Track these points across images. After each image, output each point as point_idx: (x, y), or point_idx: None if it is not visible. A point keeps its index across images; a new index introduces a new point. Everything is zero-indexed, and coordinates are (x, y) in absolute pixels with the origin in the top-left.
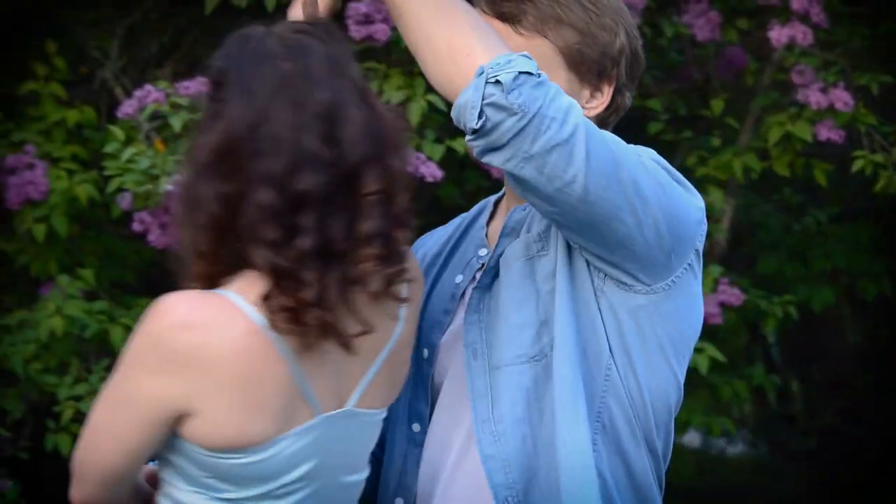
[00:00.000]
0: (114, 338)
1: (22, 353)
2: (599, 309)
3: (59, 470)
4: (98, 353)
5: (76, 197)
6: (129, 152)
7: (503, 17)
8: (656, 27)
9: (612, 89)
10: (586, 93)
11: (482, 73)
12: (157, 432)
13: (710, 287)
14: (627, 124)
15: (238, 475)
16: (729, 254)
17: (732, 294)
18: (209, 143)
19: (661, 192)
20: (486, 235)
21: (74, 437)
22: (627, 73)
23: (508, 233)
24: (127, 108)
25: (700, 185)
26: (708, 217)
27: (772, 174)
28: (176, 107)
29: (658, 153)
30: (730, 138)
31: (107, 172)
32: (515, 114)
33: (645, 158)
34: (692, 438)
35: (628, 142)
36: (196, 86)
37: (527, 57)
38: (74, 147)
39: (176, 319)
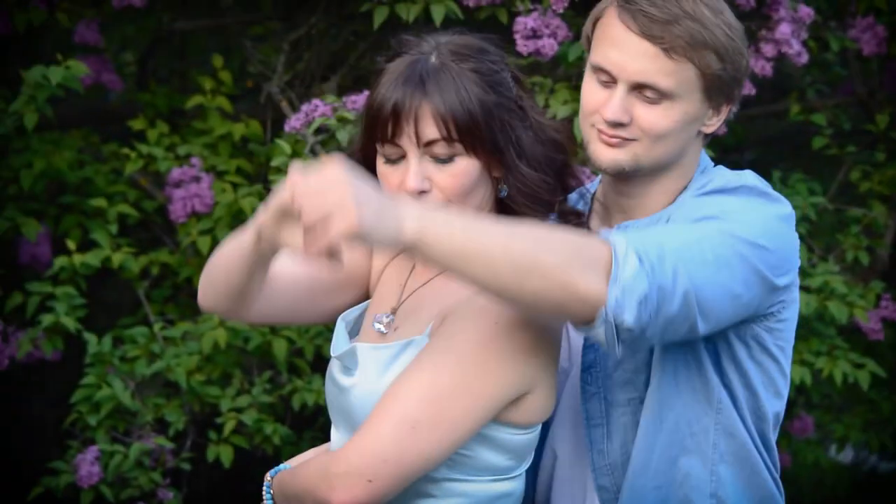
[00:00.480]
0: (276, 350)
1: (185, 365)
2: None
3: (220, 481)
4: (260, 366)
5: (241, 210)
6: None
7: (653, 39)
8: (822, 41)
9: (729, 108)
10: (710, 112)
11: (605, 317)
12: (490, 419)
13: (873, 302)
14: (792, 138)
15: (528, 449)
16: (891, 269)
17: (894, 310)
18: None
19: (751, 270)
20: None
21: (236, 449)
22: (741, 92)
23: None
24: (294, 121)
25: (864, 199)
26: (871, 232)
27: None
28: (342, 121)
29: (821, 168)
30: (894, 153)
31: (273, 186)
32: (646, 328)
33: (727, 241)
34: (845, 455)
35: (792, 155)
36: (363, 99)
37: (626, 252)
38: (240, 160)
39: None
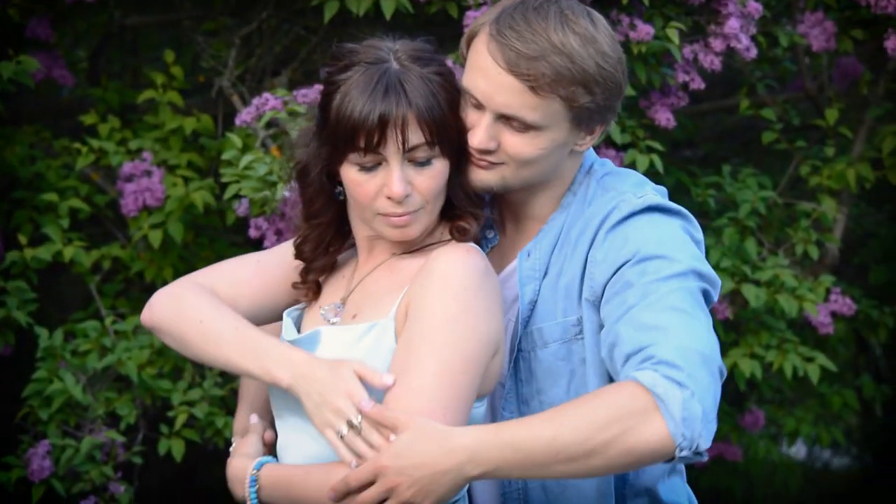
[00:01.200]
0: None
1: (136, 359)
2: None
3: (171, 475)
4: None
5: (192, 203)
6: (246, 159)
7: (519, 76)
8: (771, 37)
9: (603, 128)
10: (582, 134)
11: (681, 454)
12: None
13: (822, 296)
14: (742, 133)
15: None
16: (841, 263)
17: (844, 304)
18: None
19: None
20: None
21: (187, 443)
22: (616, 110)
23: (527, 281)
24: (245, 115)
25: (813, 194)
26: (821, 227)
27: (885, 184)
28: (293, 114)
29: (771, 163)
30: (843, 148)
31: (224, 179)
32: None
33: (687, 290)
34: (797, 450)
35: (742, 150)
36: (314, 93)
37: (665, 387)
38: (191, 154)
39: (482, 267)
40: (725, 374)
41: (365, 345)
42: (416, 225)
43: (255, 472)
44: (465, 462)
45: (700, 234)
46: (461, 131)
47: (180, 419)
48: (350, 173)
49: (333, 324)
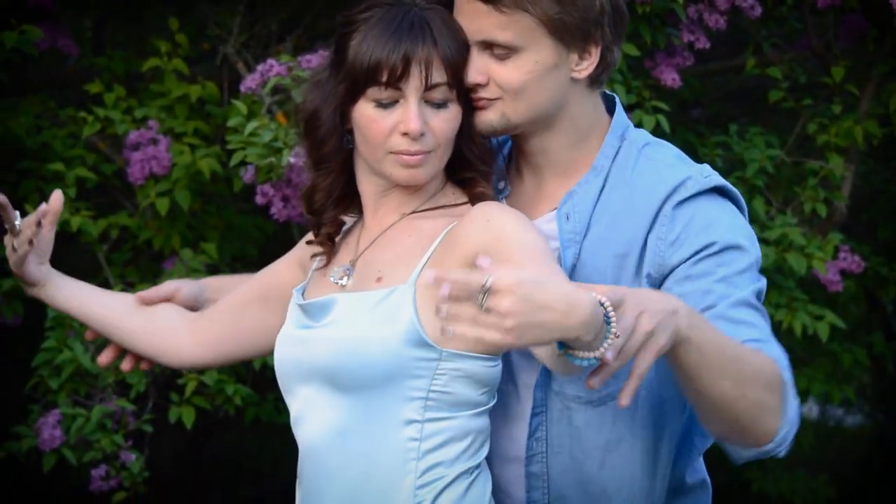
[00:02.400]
0: None
1: None
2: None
3: (182, 442)
4: None
5: (199, 171)
6: (251, 126)
7: None
8: None
9: (599, 49)
10: (574, 56)
11: (763, 450)
12: None
13: (831, 254)
14: (749, 92)
15: (496, 382)
16: (849, 221)
17: (853, 261)
18: None
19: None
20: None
21: (197, 410)
22: (613, 32)
23: (568, 245)
24: (250, 82)
25: (821, 152)
26: (829, 184)
27: (893, 141)
28: (298, 80)
29: (778, 122)
30: (850, 105)
31: (230, 146)
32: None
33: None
34: (810, 409)
35: (749, 109)
36: (318, 59)
37: (791, 387)
38: (197, 122)
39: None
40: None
41: (381, 311)
42: (426, 167)
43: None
44: (680, 308)
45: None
46: None
47: (190, 386)
48: (366, 110)
49: (343, 286)
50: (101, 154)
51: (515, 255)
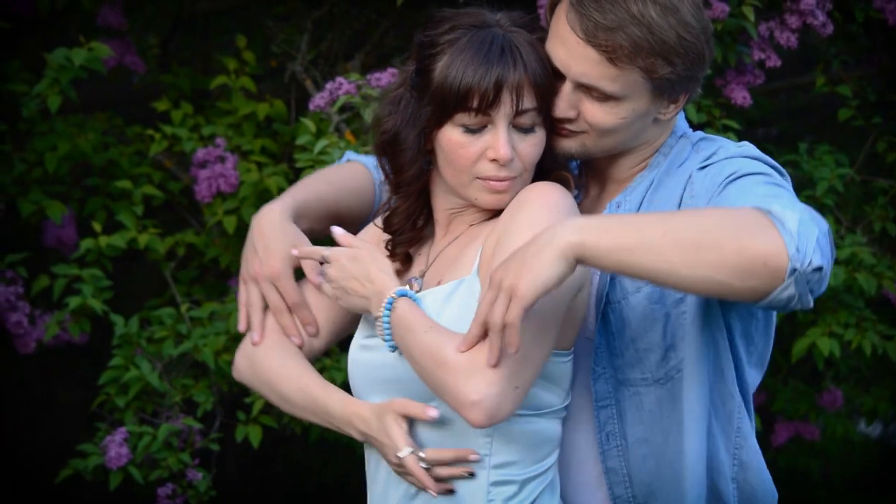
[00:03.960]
0: None
1: (212, 346)
2: (727, 329)
3: (248, 461)
4: None
5: (266, 189)
6: (320, 144)
7: (597, 46)
8: (847, 12)
9: (687, 97)
10: (665, 103)
11: (793, 269)
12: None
13: None
14: (818, 110)
15: (568, 378)
16: None
17: None
18: None
19: None
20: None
21: (264, 429)
22: (701, 76)
23: None
24: (318, 100)
25: (890, 170)
26: None
27: None
28: (367, 98)
29: (848, 140)
30: None
31: (298, 164)
32: (830, 265)
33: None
34: (873, 429)
35: (818, 127)
36: (387, 77)
37: (782, 209)
38: (264, 140)
39: (572, 199)
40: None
41: (456, 302)
42: (512, 192)
43: (394, 296)
44: (558, 226)
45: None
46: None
47: (257, 405)
48: (454, 135)
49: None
50: (167, 172)
51: (513, 226)
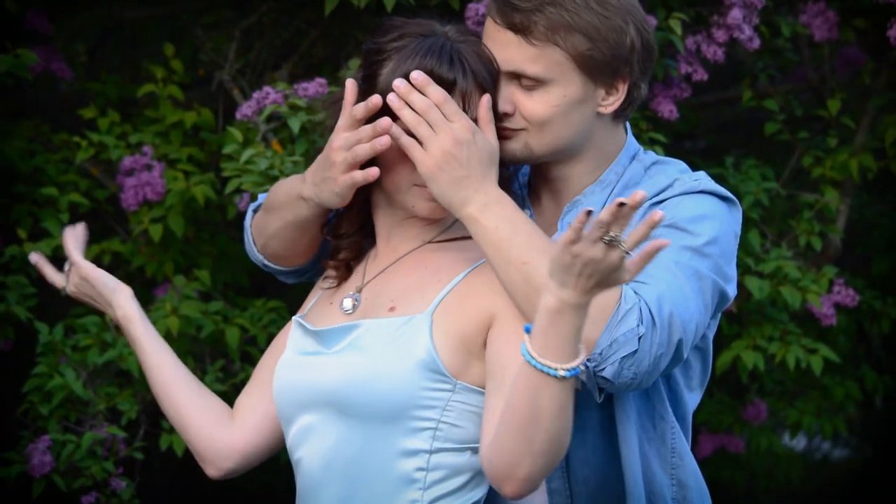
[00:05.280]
0: (229, 338)
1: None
2: None
3: (173, 470)
4: (213, 354)
5: (193, 198)
6: (247, 153)
7: (514, 28)
8: (773, 27)
9: (626, 86)
10: (601, 92)
11: (586, 367)
12: None
13: (825, 288)
14: (744, 124)
15: None
16: (843, 254)
17: (847, 295)
18: None
19: (716, 291)
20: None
21: None
22: (641, 68)
23: None
24: (245, 109)
25: (816, 185)
26: (824, 218)
27: (888, 174)
28: (294, 108)
29: (774, 154)
30: (846, 138)
31: (225, 174)
32: (630, 382)
33: (698, 266)
34: (797, 442)
35: (745, 141)
36: (315, 87)
37: (630, 309)
38: (192, 149)
39: None
40: (684, 349)
41: (399, 339)
42: None
43: None
44: (487, 190)
45: (739, 228)
46: None
47: None
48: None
49: (348, 313)
50: (94, 179)
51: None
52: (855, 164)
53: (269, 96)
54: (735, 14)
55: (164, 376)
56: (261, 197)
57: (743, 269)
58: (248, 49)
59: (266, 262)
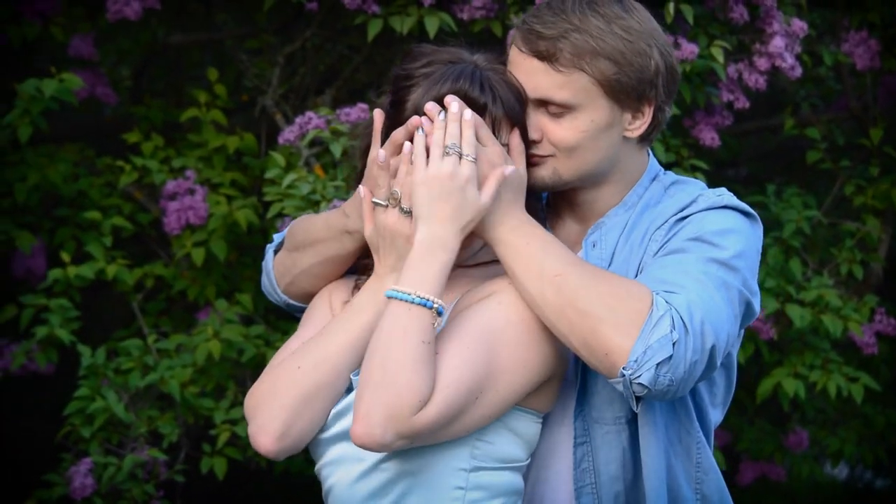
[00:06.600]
0: (269, 361)
1: (178, 377)
2: None
3: (213, 493)
4: (254, 377)
5: (235, 222)
6: (289, 178)
7: (540, 56)
8: (815, 56)
9: (652, 109)
10: (628, 116)
11: (623, 375)
12: (526, 392)
13: (867, 316)
14: (786, 152)
15: (536, 439)
16: (885, 283)
17: (889, 324)
18: None
19: (743, 303)
20: None
21: (229, 461)
22: (665, 91)
23: None
24: (288, 134)
25: (858, 213)
26: (865, 246)
27: None
28: (336, 133)
29: (816, 182)
30: (888, 167)
31: (267, 198)
32: (667, 389)
33: (725, 277)
34: (840, 471)
35: (787, 170)
36: (357, 112)
37: (663, 315)
38: (234, 173)
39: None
40: (717, 356)
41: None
42: None
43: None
44: (517, 210)
45: (760, 244)
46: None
47: (223, 437)
48: None
49: None
50: (137, 203)
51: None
52: None
53: (312, 121)
54: (777, 42)
55: None
56: (276, 237)
57: (784, 297)
58: (292, 74)
59: (290, 302)
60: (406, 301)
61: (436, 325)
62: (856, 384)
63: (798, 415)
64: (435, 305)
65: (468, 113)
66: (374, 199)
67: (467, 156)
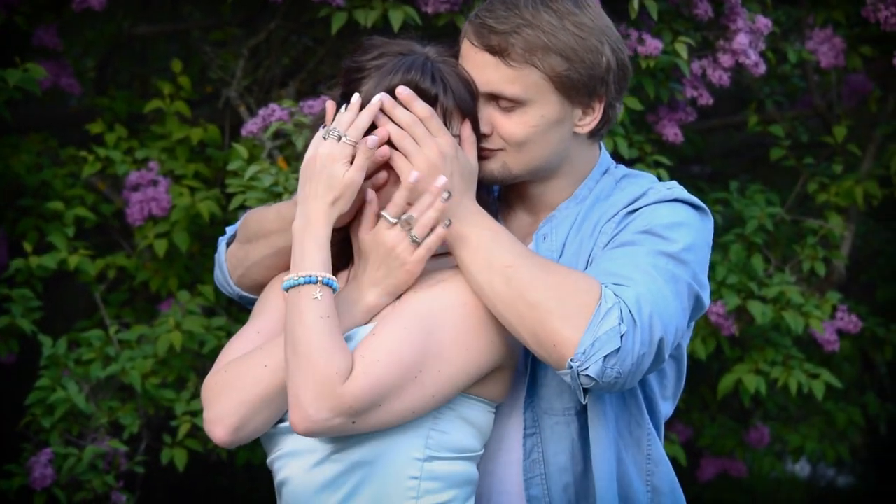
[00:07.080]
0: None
1: (140, 369)
2: None
3: (174, 484)
4: None
5: (198, 213)
6: (252, 170)
7: (492, 50)
8: (780, 53)
9: (602, 105)
10: (578, 111)
11: (570, 367)
12: (472, 381)
13: (828, 314)
14: (750, 149)
15: (489, 429)
16: (848, 281)
17: (850, 321)
18: None
19: (692, 296)
20: None
21: (190, 452)
22: (616, 88)
23: None
24: (251, 126)
25: (821, 211)
26: (828, 244)
27: (893, 202)
28: (300, 126)
29: (779, 180)
30: (851, 165)
31: (230, 190)
32: (615, 381)
33: (675, 270)
34: (801, 468)
35: (750, 166)
36: (320, 105)
37: (611, 308)
38: (197, 165)
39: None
40: (665, 349)
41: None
42: None
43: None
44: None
45: (711, 237)
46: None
47: (183, 429)
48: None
49: None
50: (100, 194)
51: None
52: (860, 191)
53: (275, 113)
54: (741, 39)
55: None
56: (229, 230)
57: (746, 293)
58: (256, 67)
59: (242, 294)
60: (294, 286)
61: (321, 295)
62: (816, 381)
63: (760, 411)
64: (320, 279)
65: (420, 104)
66: (384, 213)
67: (345, 137)
